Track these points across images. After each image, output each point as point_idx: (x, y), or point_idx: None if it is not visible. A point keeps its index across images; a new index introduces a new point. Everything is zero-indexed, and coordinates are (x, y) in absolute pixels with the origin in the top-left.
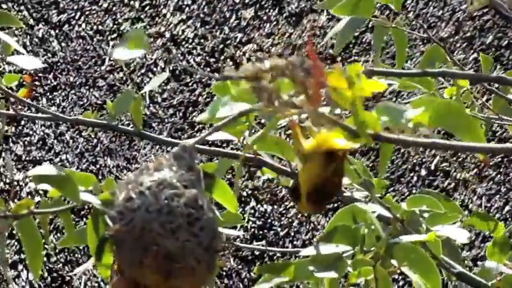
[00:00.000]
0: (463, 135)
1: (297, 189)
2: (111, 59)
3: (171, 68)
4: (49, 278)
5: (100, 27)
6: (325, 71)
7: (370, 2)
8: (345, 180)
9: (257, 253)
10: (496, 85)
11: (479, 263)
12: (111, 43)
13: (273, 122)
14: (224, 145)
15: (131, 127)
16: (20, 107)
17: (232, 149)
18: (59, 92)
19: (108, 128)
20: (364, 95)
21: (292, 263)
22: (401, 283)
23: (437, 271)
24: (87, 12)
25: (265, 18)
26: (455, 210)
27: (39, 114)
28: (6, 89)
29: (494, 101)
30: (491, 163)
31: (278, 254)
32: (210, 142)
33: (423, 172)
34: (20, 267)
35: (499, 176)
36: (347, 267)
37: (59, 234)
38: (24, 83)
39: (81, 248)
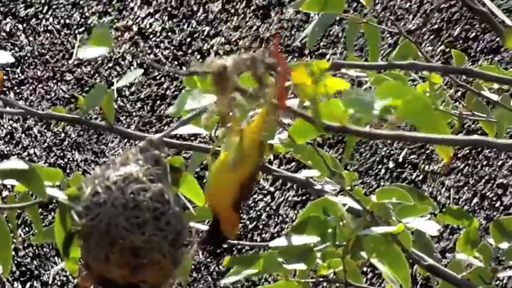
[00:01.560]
0: (430, 131)
1: (216, 225)
2: (77, 57)
3: (138, 62)
4: (17, 272)
5: (67, 21)
6: (288, 67)
7: None
8: (315, 173)
9: (225, 246)
10: (469, 81)
11: (447, 255)
12: (78, 37)
13: (241, 115)
14: (192, 138)
15: (100, 121)
16: None
17: (200, 142)
18: (27, 86)
19: (79, 122)
20: (328, 92)
21: (262, 255)
22: (370, 275)
23: (406, 263)
24: (54, 6)
25: (232, 11)
26: (429, 204)
27: (11, 109)
28: None
29: (468, 98)
30: (459, 155)
31: (247, 248)
32: (178, 135)
33: (391, 164)
34: None
35: (467, 168)
36: (316, 259)
37: (27, 228)
38: None
39: (49, 242)
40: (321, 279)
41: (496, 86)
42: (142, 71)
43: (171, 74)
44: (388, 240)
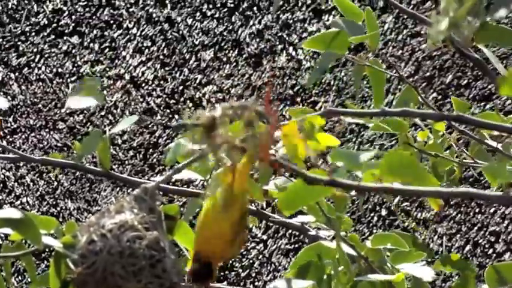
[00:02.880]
0: (417, 184)
1: (203, 267)
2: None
3: (130, 110)
4: None
5: (60, 69)
6: (278, 119)
7: (344, 38)
8: (310, 218)
9: None
10: (472, 129)
11: None
12: (70, 85)
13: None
14: (185, 186)
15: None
16: None
17: (193, 188)
18: (19, 134)
19: (75, 168)
20: (318, 149)
21: None
22: None
23: None
24: (46, 55)
25: (224, 59)
26: (423, 250)
27: (7, 155)
28: None
29: (471, 147)
30: (451, 202)
31: None
32: (172, 183)
33: (384, 212)
34: None
35: (459, 215)
36: None
37: (20, 277)
38: None
39: None
40: None
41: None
42: (137, 117)
43: (163, 122)
44: (382, 286)
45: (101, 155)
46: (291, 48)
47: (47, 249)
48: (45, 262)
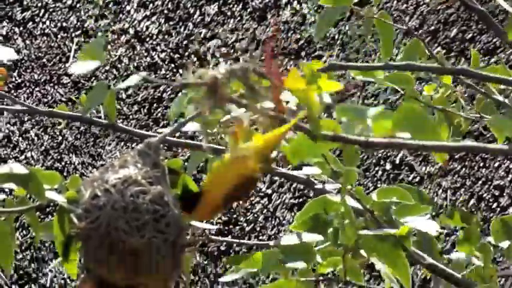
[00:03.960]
0: (426, 139)
1: (196, 197)
2: (74, 54)
3: (135, 65)
4: (15, 276)
5: (64, 24)
6: (281, 73)
7: None
8: (317, 170)
9: (223, 249)
10: (480, 84)
11: (444, 256)
12: (75, 40)
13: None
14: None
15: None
16: None
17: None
18: (24, 89)
19: (82, 120)
20: (323, 94)
21: (261, 253)
22: (366, 277)
23: (407, 262)
24: (51, 10)
25: (229, 13)
26: (429, 203)
27: (15, 107)
28: None
29: (478, 100)
30: (456, 156)
31: (244, 250)
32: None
33: (388, 166)
34: None
35: (464, 169)
36: (316, 258)
37: (24, 232)
38: None
39: (47, 245)
40: (321, 278)
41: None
42: (144, 73)
43: (167, 77)
44: (389, 240)
45: (107, 107)
46: (295, 2)
47: (51, 204)
48: (50, 217)
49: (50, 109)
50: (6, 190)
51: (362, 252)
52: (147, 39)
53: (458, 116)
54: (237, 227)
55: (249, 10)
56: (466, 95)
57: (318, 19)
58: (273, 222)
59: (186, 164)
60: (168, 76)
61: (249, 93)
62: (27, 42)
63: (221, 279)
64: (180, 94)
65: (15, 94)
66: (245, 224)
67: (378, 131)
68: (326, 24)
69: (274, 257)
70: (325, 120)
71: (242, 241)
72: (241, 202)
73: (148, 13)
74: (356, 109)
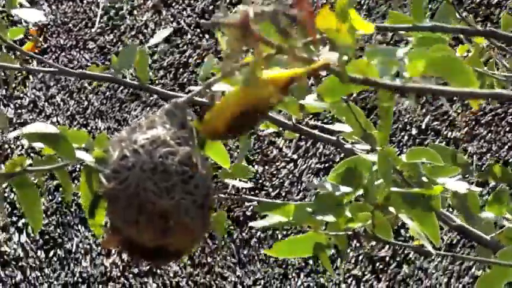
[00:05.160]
0: (457, 82)
1: (208, 108)
2: (100, 19)
3: (161, 30)
4: (41, 241)
5: None
6: (313, 15)
7: None
8: (347, 128)
9: (249, 214)
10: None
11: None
12: (101, 5)
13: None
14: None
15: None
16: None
17: None
18: (50, 54)
19: (113, 81)
20: (356, 32)
21: (292, 204)
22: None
23: (436, 219)
24: None
25: None
26: (461, 159)
27: (46, 68)
28: (12, 43)
29: (510, 60)
30: (482, 121)
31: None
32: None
33: (414, 131)
34: (12, 229)
35: (490, 134)
36: (346, 212)
37: (50, 197)
38: (30, 37)
39: (72, 210)
40: (350, 232)
41: None
42: (171, 29)
43: (193, 42)
44: (419, 199)
45: (139, 67)
46: None
47: (77, 168)
48: (76, 182)
49: (82, 71)
50: (32, 155)
51: (391, 208)
52: (173, 3)
53: (491, 78)
54: (263, 192)
55: None
56: (499, 56)
57: None
58: (299, 187)
59: None
60: (194, 41)
61: (281, 36)
62: (53, 7)
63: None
64: (206, 59)
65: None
66: (271, 189)
67: (412, 72)
68: None
69: (306, 210)
70: (357, 62)
71: (271, 201)
72: (246, 131)
73: None
74: (387, 50)
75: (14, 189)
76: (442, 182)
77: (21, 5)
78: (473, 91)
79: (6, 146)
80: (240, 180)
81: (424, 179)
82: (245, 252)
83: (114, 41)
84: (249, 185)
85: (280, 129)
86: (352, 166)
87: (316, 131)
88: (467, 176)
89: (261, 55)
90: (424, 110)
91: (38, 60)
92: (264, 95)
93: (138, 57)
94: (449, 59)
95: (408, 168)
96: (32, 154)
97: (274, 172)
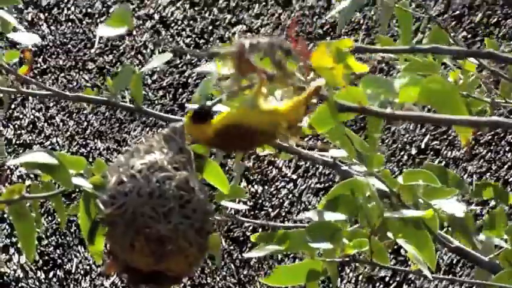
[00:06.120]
0: (450, 113)
1: (208, 114)
2: (99, 40)
3: (160, 50)
4: (41, 261)
5: (89, 10)
6: (308, 51)
7: None
8: (343, 153)
9: (248, 234)
10: (503, 68)
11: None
12: (100, 26)
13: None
14: None
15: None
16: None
17: None
18: (49, 75)
19: (108, 104)
20: (349, 74)
21: (289, 233)
22: (392, 262)
23: (432, 244)
24: None
25: None
26: (456, 180)
27: (42, 92)
28: (7, 66)
29: (502, 85)
30: (481, 141)
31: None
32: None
33: (413, 151)
34: (12, 250)
35: (489, 153)
36: (342, 239)
37: (50, 217)
38: (24, 60)
39: (72, 231)
40: (347, 259)
41: None
42: (171, 55)
43: (192, 62)
44: (415, 222)
45: (134, 90)
46: None
47: (77, 190)
48: (75, 202)
49: (77, 94)
50: (32, 176)
51: (388, 234)
52: (172, 24)
53: (483, 102)
54: (263, 212)
55: None
56: (491, 80)
57: (342, 11)
58: (299, 207)
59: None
60: (193, 61)
61: (275, 68)
62: (52, 28)
63: (246, 255)
64: (205, 78)
65: (40, 80)
66: (270, 209)
67: (404, 99)
68: (349, 14)
69: (302, 237)
70: (351, 89)
71: (269, 223)
72: (234, 147)
73: None
74: (381, 80)
75: None
76: (438, 204)
77: (14, 29)
78: (473, 119)
79: (6, 167)
80: (237, 201)
81: (421, 201)
82: (245, 272)
83: (114, 61)
84: (245, 206)
85: (277, 151)
86: (349, 189)
87: (313, 152)
88: (464, 196)
89: (261, 86)
90: (423, 130)
91: (34, 83)
92: (264, 119)
93: (133, 80)
94: (442, 89)
95: (405, 190)
96: (31, 175)
97: (274, 192)
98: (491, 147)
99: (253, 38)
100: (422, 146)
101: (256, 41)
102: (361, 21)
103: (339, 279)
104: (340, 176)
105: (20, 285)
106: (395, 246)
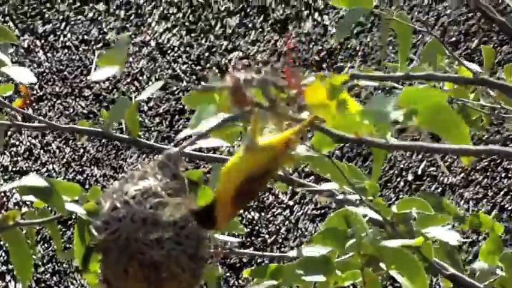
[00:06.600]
0: (451, 137)
1: (210, 209)
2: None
3: (156, 77)
4: None
5: (85, 36)
6: (301, 86)
7: None
8: (335, 186)
9: (245, 260)
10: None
11: (466, 267)
12: (96, 52)
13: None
14: (211, 152)
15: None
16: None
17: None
18: (45, 102)
19: (104, 136)
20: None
21: (282, 266)
22: None
23: (424, 274)
24: (72, 22)
25: (250, 25)
26: (448, 208)
27: (35, 124)
28: (1, 99)
29: (498, 92)
30: (478, 167)
31: (266, 261)
32: (198, 150)
33: (410, 177)
34: (8, 277)
35: (486, 180)
36: (335, 271)
37: (46, 245)
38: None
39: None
40: None
41: None
42: (162, 83)
43: (189, 89)
44: (407, 251)
45: (129, 122)
46: (316, 13)
47: (73, 217)
48: (71, 229)
49: (71, 125)
50: (28, 203)
51: (381, 264)
52: (169, 51)
53: (478, 112)
54: (259, 239)
55: (270, 22)
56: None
57: (339, 24)
58: (295, 233)
59: (208, 175)
60: (189, 88)
61: (269, 103)
62: (49, 55)
63: None
64: (199, 106)
65: (36, 107)
66: (267, 236)
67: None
68: (347, 27)
69: (295, 270)
70: (348, 119)
71: (264, 254)
72: (253, 198)
73: (169, 25)
74: (378, 111)
75: None
76: (432, 232)
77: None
78: (468, 148)
79: (2, 194)
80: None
81: (415, 229)
82: None
83: (110, 88)
84: (236, 240)
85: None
86: (343, 219)
87: (308, 181)
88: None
89: (256, 122)
90: (420, 156)
91: (28, 115)
92: (266, 159)
93: (128, 112)
94: (443, 113)
95: (399, 219)
96: (27, 202)
97: (271, 218)
98: (488, 173)
99: (248, 72)
100: (419, 172)
101: (251, 76)
102: (358, 48)
103: None
104: (336, 205)
105: None
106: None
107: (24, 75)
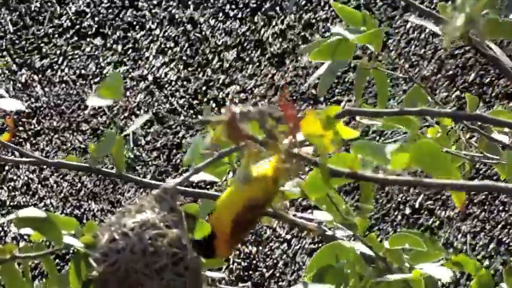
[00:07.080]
0: (441, 176)
1: (209, 239)
2: (91, 107)
3: (154, 111)
4: None
5: (83, 71)
6: (297, 118)
7: (349, 45)
8: (327, 216)
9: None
10: (479, 124)
11: None
12: (94, 87)
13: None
14: (208, 187)
15: (112, 168)
16: (3, 151)
17: (216, 190)
18: (43, 136)
19: (90, 171)
20: (339, 140)
21: None
22: None
23: None
24: (69, 57)
25: (247, 59)
26: (438, 248)
27: (23, 159)
28: None
29: (480, 140)
30: (475, 201)
31: None
32: (195, 184)
33: (407, 211)
34: None
35: (483, 213)
36: None
37: (44, 279)
38: (6, 127)
39: None
40: None
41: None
42: (150, 115)
43: (186, 123)
44: (401, 286)
45: (116, 156)
46: None
47: (70, 251)
48: (69, 264)
49: (59, 160)
50: (26, 238)
51: None
52: (166, 85)
53: (460, 159)
54: (257, 273)
55: (267, 56)
56: (467, 137)
57: (321, 78)
58: (293, 267)
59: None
60: (186, 123)
61: (266, 135)
62: (46, 89)
63: None
64: (194, 139)
65: (34, 141)
66: (264, 270)
67: (396, 165)
68: (329, 80)
69: None
70: (342, 155)
71: None
72: (250, 228)
73: (167, 59)
74: (373, 146)
75: None
76: (424, 268)
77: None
78: (463, 183)
79: (0, 228)
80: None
81: (407, 265)
82: None
83: (107, 122)
84: (222, 275)
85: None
86: (333, 254)
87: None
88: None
89: (251, 154)
90: (417, 190)
91: (16, 150)
92: (260, 190)
93: (115, 146)
94: (433, 153)
95: (391, 255)
96: (25, 237)
97: (268, 252)
98: (485, 207)
99: (244, 106)
100: (417, 205)
101: (247, 110)
102: (355, 82)
103: None
104: (326, 240)
105: None
106: None
107: (12, 105)
